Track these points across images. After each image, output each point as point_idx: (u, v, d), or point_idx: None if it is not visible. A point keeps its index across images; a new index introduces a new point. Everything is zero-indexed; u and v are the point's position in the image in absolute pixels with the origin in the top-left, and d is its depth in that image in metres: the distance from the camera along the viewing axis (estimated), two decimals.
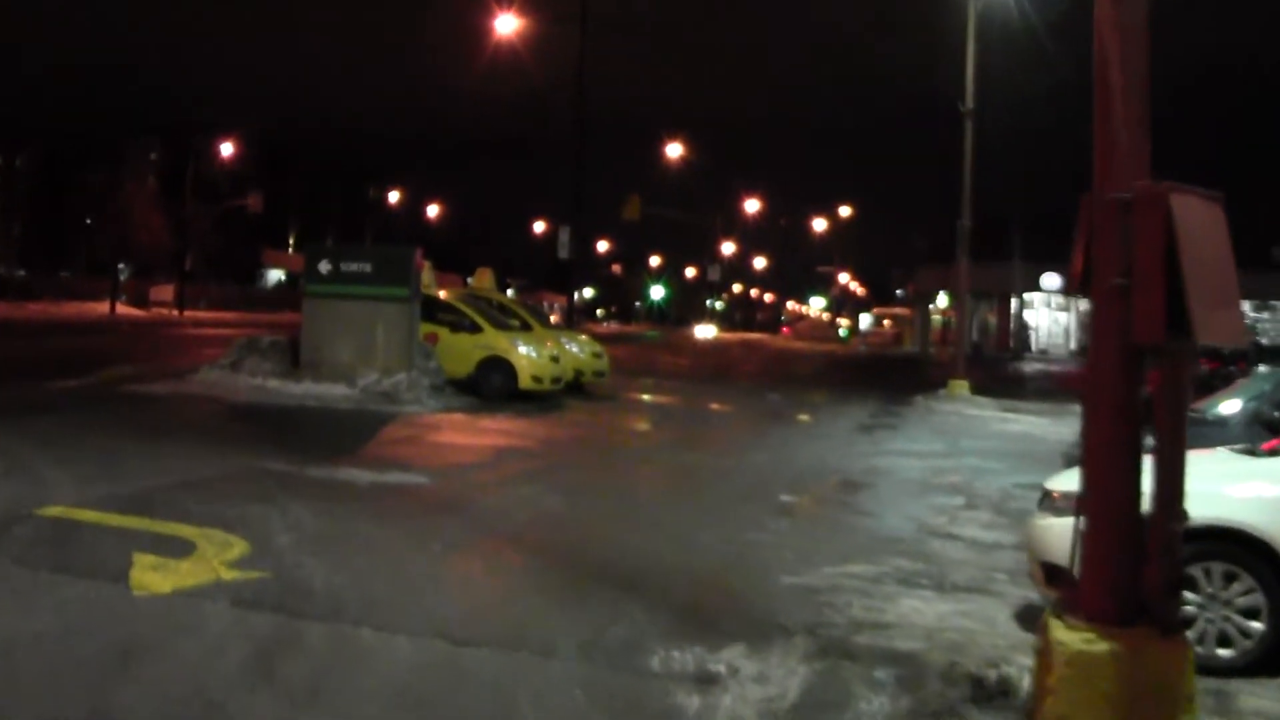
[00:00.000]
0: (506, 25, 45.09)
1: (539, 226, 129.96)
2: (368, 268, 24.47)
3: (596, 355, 30.42)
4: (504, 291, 39.82)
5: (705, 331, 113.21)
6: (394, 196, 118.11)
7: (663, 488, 15.90)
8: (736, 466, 18.45)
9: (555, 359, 26.83)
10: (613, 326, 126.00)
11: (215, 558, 9.61)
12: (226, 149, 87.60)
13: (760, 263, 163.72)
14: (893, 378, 49.15)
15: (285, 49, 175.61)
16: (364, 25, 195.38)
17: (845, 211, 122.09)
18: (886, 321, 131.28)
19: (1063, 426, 25.59)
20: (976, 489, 16.48)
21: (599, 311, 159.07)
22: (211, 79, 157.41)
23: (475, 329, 26.45)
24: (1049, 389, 41.42)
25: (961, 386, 34.42)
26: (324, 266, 24.67)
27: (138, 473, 13.59)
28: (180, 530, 10.49)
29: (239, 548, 9.99)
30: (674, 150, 74.88)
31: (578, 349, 29.83)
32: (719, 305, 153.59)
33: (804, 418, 28.19)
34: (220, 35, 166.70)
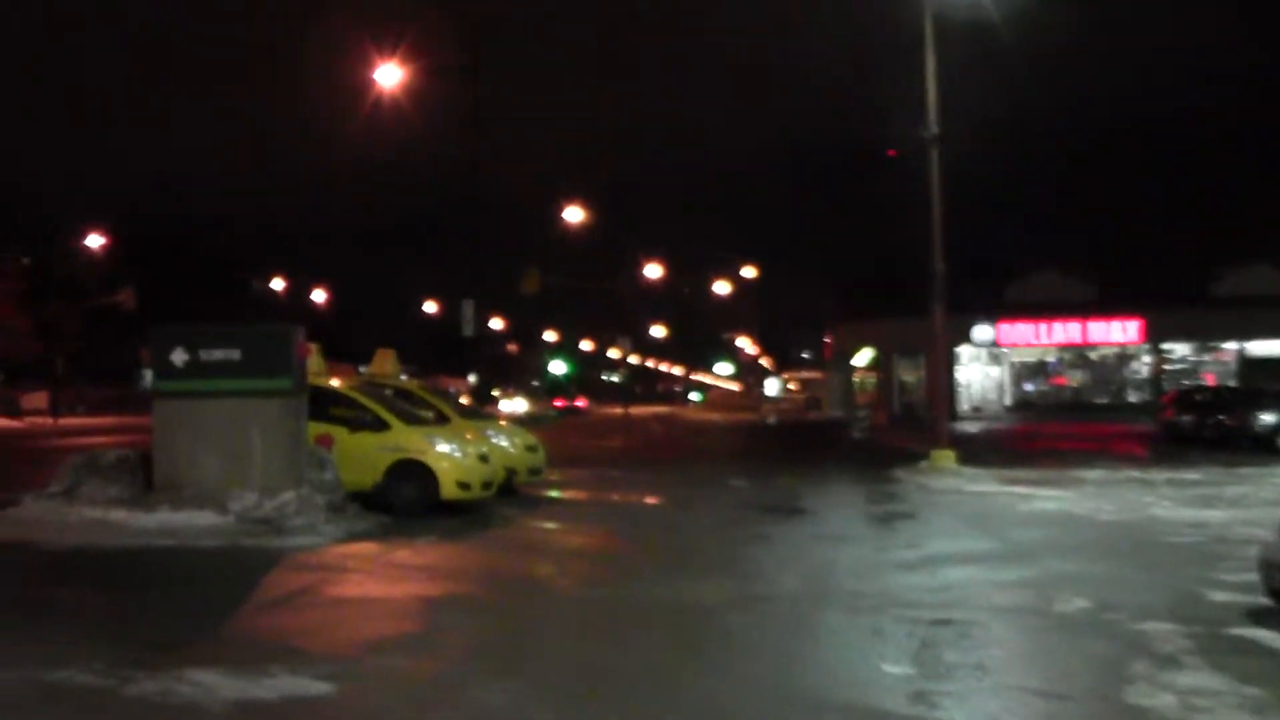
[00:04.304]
0: (389, 78, 39.97)
1: (429, 307, 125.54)
2: (236, 355, 18.55)
3: (530, 449, 24.93)
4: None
5: (513, 406, 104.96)
6: (277, 285, 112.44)
7: (699, 666, 10.07)
8: (774, 604, 12.92)
9: (484, 458, 21.26)
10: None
11: None
12: (94, 242, 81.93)
13: (659, 331, 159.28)
14: (843, 449, 45.49)
15: (151, 142, 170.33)
16: (233, 111, 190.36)
17: (749, 274, 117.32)
18: (793, 385, 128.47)
19: (1101, 502, 22.63)
20: (1131, 624, 11.50)
21: (495, 392, 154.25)
22: (75, 177, 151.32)
23: (380, 425, 20.91)
24: (1026, 454, 37.99)
25: (947, 458, 30.13)
26: (178, 356, 18.54)
27: None
28: None
29: None
30: (569, 217, 69.70)
31: (506, 442, 24.25)
32: (615, 378, 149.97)
33: (794, 509, 22.69)
34: (80, 128, 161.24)
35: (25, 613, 12.05)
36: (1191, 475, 27.62)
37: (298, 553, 15.89)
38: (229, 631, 11.22)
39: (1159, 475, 27.64)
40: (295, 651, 10.12)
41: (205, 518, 17.41)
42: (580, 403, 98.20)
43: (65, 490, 18.56)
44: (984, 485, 26.45)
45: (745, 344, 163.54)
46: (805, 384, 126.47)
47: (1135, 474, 28.28)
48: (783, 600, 13.10)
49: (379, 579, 14.53)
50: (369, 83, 40.19)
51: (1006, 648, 10.80)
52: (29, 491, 19.18)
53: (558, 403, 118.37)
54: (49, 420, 74.57)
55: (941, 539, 18.59)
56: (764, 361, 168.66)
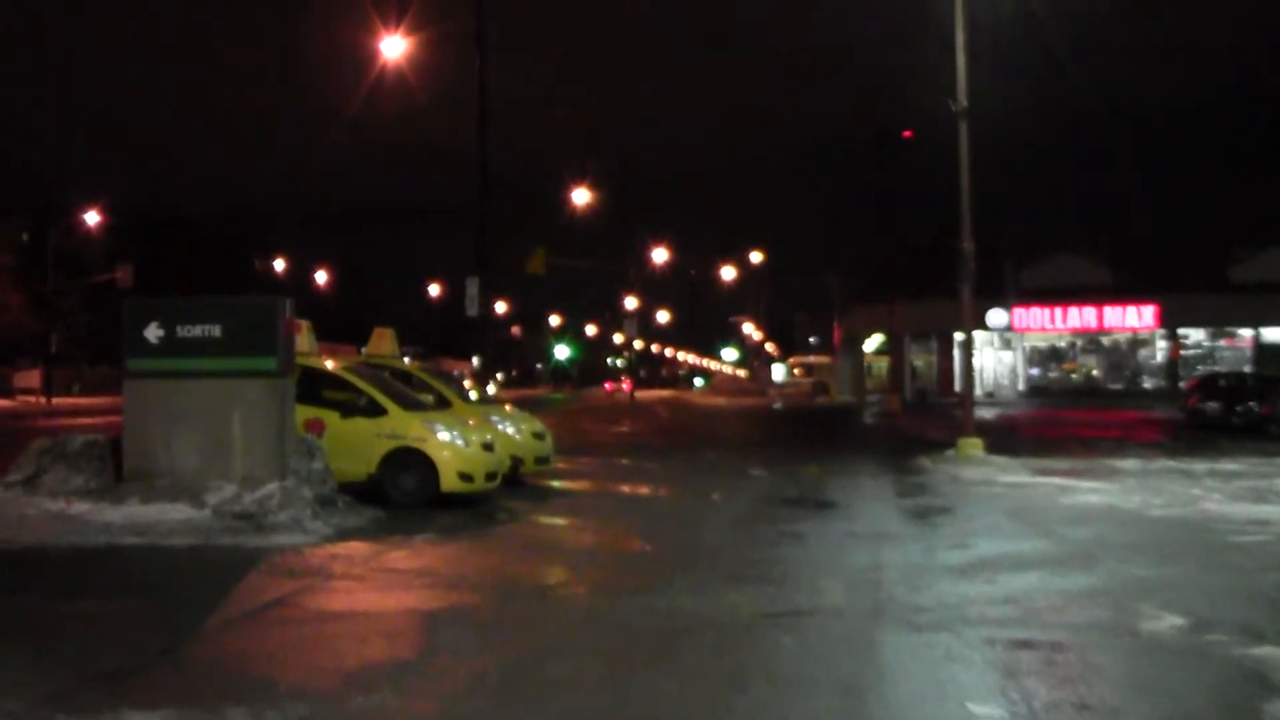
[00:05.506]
0: (394, 49, 38.25)
1: (433, 290, 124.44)
2: (216, 330, 16.81)
3: (537, 436, 23.31)
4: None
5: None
6: (279, 265, 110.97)
7: (746, 705, 8.29)
8: (821, 619, 11.21)
9: (488, 446, 19.56)
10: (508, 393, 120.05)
11: None
12: (92, 218, 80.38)
13: (663, 316, 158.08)
14: (860, 436, 44.97)
15: (156, 120, 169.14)
16: (237, 88, 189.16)
17: (756, 258, 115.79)
18: (798, 370, 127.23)
19: (1146, 495, 21.29)
20: (1239, 648, 9.92)
21: (499, 375, 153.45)
22: (78, 155, 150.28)
23: (376, 410, 19.23)
24: (1051, 441, 36.47)
25: (975, 445, 28.84)
26: (153, 332, 16.82)
27: None
28: None
29: None
30: (577, 198, 68.37)
31: (512, 429, 22.63)
32: (620, 362, 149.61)
33: (822, 502, 21.13)
34: (83, 106, 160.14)
35: None
36: (1231, 466, 26.50)
37: (279, 554, 14.15)
38: (185, 655, 9.49)
39: (1198, 466, 26.40)
40: (261, 684, 8.44)
41: (178, 511, 15.71)
42: (626, 385, 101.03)
43: (26, 479, 16.88)
44: (1017, 476, 25.06)
45: (750, 329, 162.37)
46: (811, 369, 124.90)
47: (1171, 464, 27.02)
48: (831, 615, 11.39)
49: (369, 587, 12.73)
50: (375, 56, 38.72)
51: (1105, 679, 9.10)
52: None
53: (608, 386, 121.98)
54: (41, 400, 73.08)
55: (989, 538, 16.90)
56: (769, 347, 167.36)
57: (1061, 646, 9.99)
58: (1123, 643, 10.26)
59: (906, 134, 43.95)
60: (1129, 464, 26.92)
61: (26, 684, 8.26)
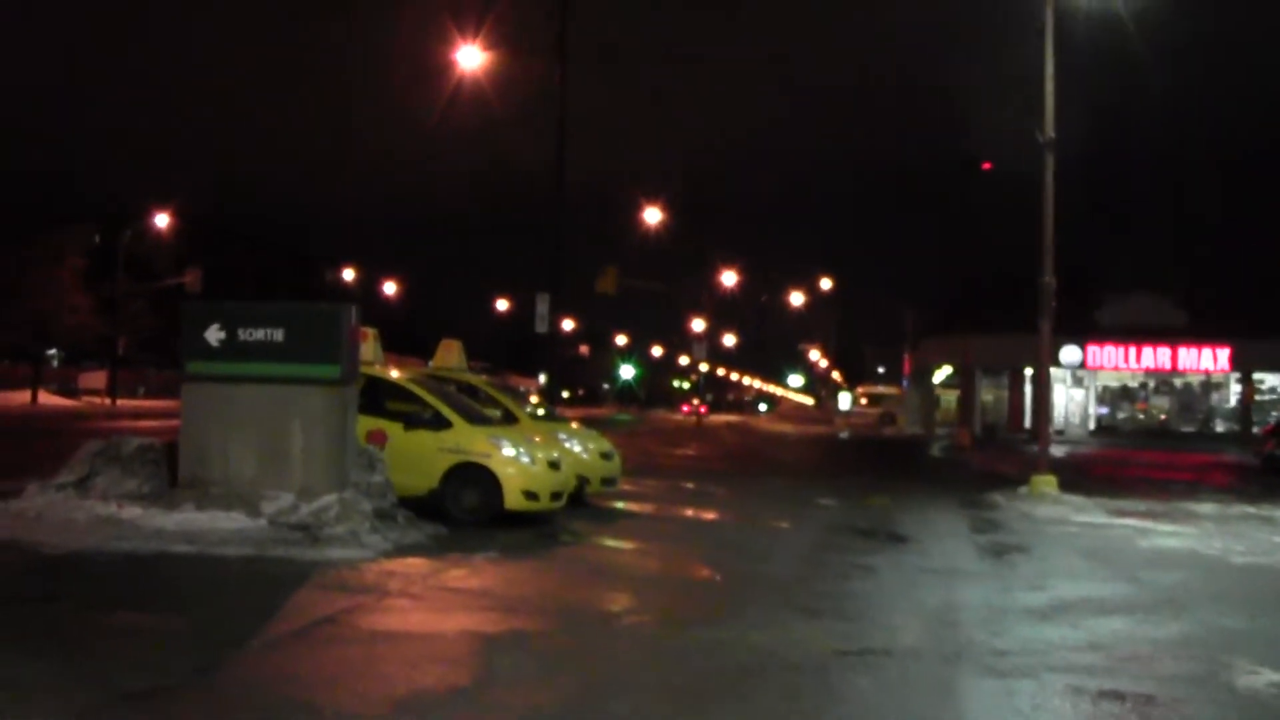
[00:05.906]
0: (471, 60, 37.89)
1: (501, 305, 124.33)
2: (278, 335, 16.32)
3: (605, 456, 22.68)
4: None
5: None
6: (348, 275, 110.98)
7: None
8: (898, 661, 10.63)
9: (554, 464, 19.00)
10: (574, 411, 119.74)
11: None
12: (162, 221, 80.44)
13: (730, 340, 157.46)
14: (928, 469, 44.24)
15: (230, 128, 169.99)
16: (314, 98, 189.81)
17: (825, 284, 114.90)
18: (864, 400, 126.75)
19: (1227, 541, 20.86)
20: None
21: (564, 394, 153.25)
22: (151, 160, 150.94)
23: (440, 423, 18.68)
24: (1123, 482, 35.82)
25: (1048, 483, 27.99)
26: (214, 334, 16.36)
27: None
28: None
29: None
30: (649, 218, 67.74)
31: (579, 447, 22.04)
32: (686, 385, 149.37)
33: (894, 535, 20.50)
34: (158, 112, 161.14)
35: None
36: None
37: (333, 568, 13.64)
38: (224, 675, 9.01)
39: (1278, 513, 25.39)
40: (303, 709, 7.96)
41: (233, 520, 15.23)
42: (703, 409, 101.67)
43: (77, 481, 16.35)
44: (1092, 516, 24.33)
45: (817, 356, 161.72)
46: (878, 399, 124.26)
47: (1250, 510, 26.13)
48: (908, 656, 10.83)
49: (425, 606, 12.19)
50: (450, 67, 38.39)
51: None
52: (37, 480, 16.83)
53: (685, 408, 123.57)
54: (106, 401, 73.34)
55: (1067, 579, 16.31)
56: (835, 375, 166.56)
57: (1154, 700, 9.45)
58: (1218, 697, 9.72)
59: (986, 165, 43.21)
60: (1206, 508, 26.11)
61: (51, 701, 7.85)
